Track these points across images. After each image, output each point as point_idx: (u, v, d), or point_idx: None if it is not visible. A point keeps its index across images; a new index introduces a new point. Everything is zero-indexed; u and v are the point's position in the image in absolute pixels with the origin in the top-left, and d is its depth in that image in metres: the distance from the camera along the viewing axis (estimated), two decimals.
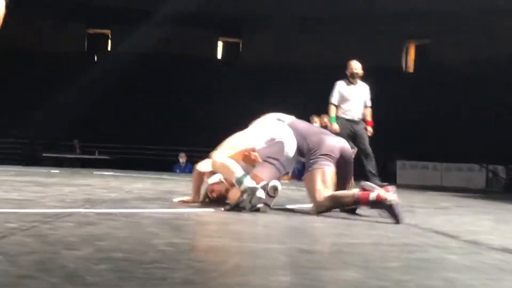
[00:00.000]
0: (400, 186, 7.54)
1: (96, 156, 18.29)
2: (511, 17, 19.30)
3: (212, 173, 4.59)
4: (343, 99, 8.59)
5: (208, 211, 4.23)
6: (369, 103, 8.72)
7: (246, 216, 4.02)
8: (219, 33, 24.66)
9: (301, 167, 12.91)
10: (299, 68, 20.69)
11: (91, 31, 24.55)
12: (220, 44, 25.41)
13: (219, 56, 25.48)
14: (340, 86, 8.66)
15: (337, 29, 21.84)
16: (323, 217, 4.24)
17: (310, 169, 4.41)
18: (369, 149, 8.47)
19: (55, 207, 3.99)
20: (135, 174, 11.51)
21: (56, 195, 5.02)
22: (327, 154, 4.41)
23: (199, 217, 3.79)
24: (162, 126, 19.40)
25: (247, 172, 4.23)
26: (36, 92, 18.89)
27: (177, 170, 15.05)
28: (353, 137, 8.39)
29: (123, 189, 6.41)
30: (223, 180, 4.50)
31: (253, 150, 4.41)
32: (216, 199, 4.63)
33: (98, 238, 2.61)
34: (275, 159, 4.54)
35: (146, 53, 21.55)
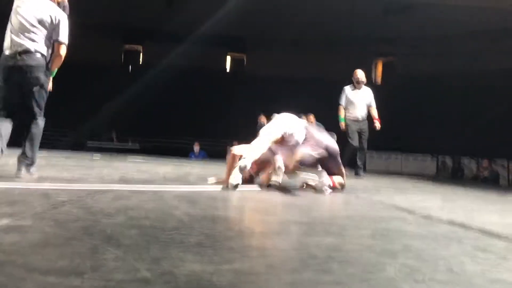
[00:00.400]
0: (369, 172, 7.54)
1: (130, 145, 18.28)
2: (462, 41, 19.48)
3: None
4: (349, 102, 8.31)
5: (217, 190, 4.22)
6: (373, 104, 8.41)
7: (247, 194, 4.02)
8: (228, 49, 24.78)
9: None
10: (293, 79, 20.72)
11: (127, 46, 24.59)
12: (228, 59, 25.48)
13: (228, 68, 25.60)
14: (347, 91, 8.41)
15: (321, 48, 21.98)
16: (309, 194, 4.24)
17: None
18: (365, 146, 8.21)
19: (97, 184, 3.98)
20: (160, 159, 11.49)
21: (97, 175, 5.01)
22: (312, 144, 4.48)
23: (210, 194, 3.78)
24: (183, 122, 19.48)
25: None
26: (85, 94, 18.87)
27: (192, 156, 14.96)
28: (359, 133, 8.17)
29: (151, 171, 6.40)
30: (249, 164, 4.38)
31: (283, 137, 4.47)
32: (247, 179, 4.55)
33: (130, 209, 2.60)
34: (293, 144, 4.55)
35: (170, 65, 21.69)
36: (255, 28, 22.26)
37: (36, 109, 4.11)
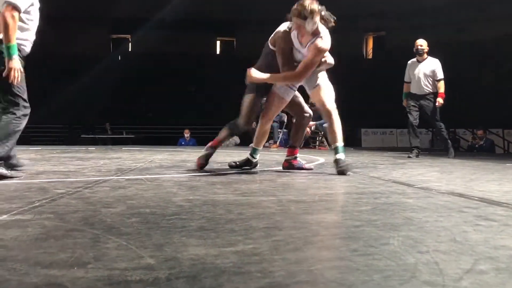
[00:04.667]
0: (364, 149, 7.54)
1: (124, 135, 18.22)
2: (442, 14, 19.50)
3: None
4: (410, 76, 7.93)
5: (216, 173, 4.22)
6: (440, 76, 7.71)
7: (244, 176, 4.02)
8: (218, 33, 24.65)
9: (286, 137, 12.94)
10: None
11: (114, 36, 24.44)
12: (218, 43, 25.38)
13: (218, 52, 25.50)
14: (409, 65, 8.02)
15: None
16: (306, 174, 4.25)
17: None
18: (433, 120, 7.81)
19: (93, 175, 3.97)
20: (155, 148, 11.47)
21: (93, 167, 4.99)
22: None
23: (208, 178, 3.77)
24: (173, 109, 19.40)
25: None
26: (75, 86, 18.72)
27: (182, 143, 14.83)
28: (419, 110, 7.79)
29: (147, 159, 6.39)
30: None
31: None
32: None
33: (129, 198, 2.60)
34: None
35: (159, 52, 21.54)
36: (242, 11, 22.12)
37: (6, 98, 3.66)
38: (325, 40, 4.22)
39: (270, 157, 7.36)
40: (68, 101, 18.01)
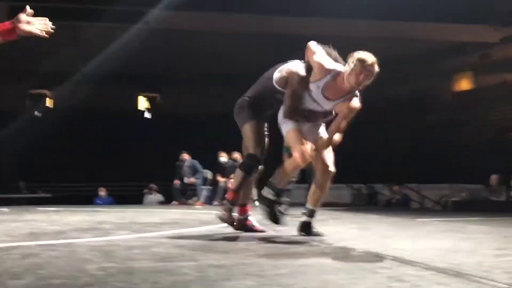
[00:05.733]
0: (289, 203, 7.59)
1: (39, 195, 17.39)
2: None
3: None
4: None
5: (134, 237, 4.11)
6: None
7: (165, 240, 3.94)
8: (141, 88, 24.58)
9: (210, 193, 12.84)
10: (201, 115, 20.66)
11: (33, 91, 23.78)
12: (141, 98, 25.33)
13: (140, 107, 25.38)
14: None
15: (230, 83, 22.21)
16: (228, 235, 4.22)
17: None
18: None
19: (3, 241, 3.75)
20: (73, 208, 11.02)
21: (4, 230, 4.72)
22: None
23: (126, 242, 3.66)
24: (94, 166, 18.84)
25: None
26: None
27: (98, 201, 14.18)
28: None
29: (62, 221, 6.11)
30: None
31: None
32: None
33: (39, 267, 2.47)
34: None
35: (80, 107, 21.11)
36: (166, 67, 22.28)
37: None
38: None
39: (194, 216, 7.27)
40: None
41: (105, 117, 21.21)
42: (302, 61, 3.94)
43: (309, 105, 3.86)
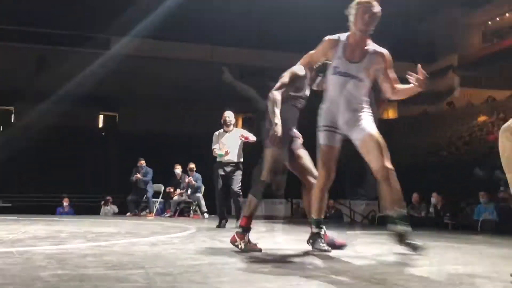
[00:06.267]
0: (234, 217, 7.57)
1: (1, 204, 16.59)
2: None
3: None
4: (221, 145, 7.24)
5: (88, 246, 3.99)
6: (252, 137, 7.18)
7: (117, 248, 3.85)
8: (100, 108, 24.10)
9: (162, 206, 12.64)
10: (161, 135, 20.45)
11: None
12: (100, 117, 24.84)
13: (100, 126, 24.89)
14: (216, 136, 7.37)
15: (187, 105, 22.13)
16: (178, 245, 4.16)
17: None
18: (234, 188, 7.19)
19: None
20: (32, 217, 10.58)
21: None
22: None
23: (80, 251, 3.55)
24: (55, 179, 18.22)
25: None
26: None
27: (60, 210, 13.71)
28: (225, 177, 7.21)
29: (20, 230, 5.86)
30: None
31: None
32: None
33: None
34: None
35: (42, 124, 20.40)
36: (125, 87, 22.00)
37: None
38: None
39: (145, 226, 7.13)
40: None
41: (66, 133, 20.63)
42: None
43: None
